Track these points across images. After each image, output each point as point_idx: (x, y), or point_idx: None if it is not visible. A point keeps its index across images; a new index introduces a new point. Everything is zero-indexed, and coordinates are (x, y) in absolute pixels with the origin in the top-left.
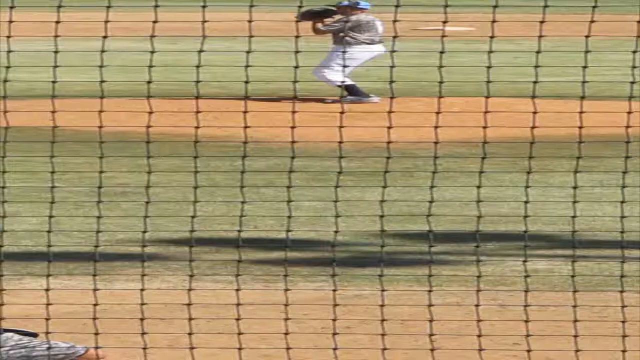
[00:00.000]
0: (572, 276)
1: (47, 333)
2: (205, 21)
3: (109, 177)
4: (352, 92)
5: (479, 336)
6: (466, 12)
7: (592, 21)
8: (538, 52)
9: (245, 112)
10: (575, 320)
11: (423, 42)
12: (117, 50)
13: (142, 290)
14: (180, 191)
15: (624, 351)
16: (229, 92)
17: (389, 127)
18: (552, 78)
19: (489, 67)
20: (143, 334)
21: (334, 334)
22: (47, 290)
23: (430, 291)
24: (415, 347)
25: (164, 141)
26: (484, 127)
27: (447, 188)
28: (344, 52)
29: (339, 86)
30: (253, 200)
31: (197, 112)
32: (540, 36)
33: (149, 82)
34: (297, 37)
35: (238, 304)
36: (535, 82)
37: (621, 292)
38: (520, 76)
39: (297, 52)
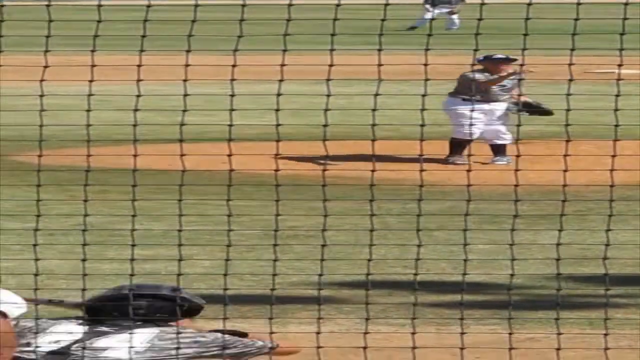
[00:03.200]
0: None
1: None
2: (381, 65)
3: (282, 219)
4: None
5: None
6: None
7: None
8: None
9: (420, 155)
10: None
11: (594, 85)
12: (290, 94)
13: (317, 333)
14: (353, 234)
15: None
16: (402, 135)
17: (565, 171)
18: None
19: None
20: None
21: None
22: None
23: (605, 334)
24: None
25: (338, 184)
26: None
27: (620, 231)
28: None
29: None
30: (426, 243)
31: (373, 155)
32: None
33: (325, 126)
34: (473, 80)
35: (413, 347)
36: None
37: None
38: None
39: (471, 97)
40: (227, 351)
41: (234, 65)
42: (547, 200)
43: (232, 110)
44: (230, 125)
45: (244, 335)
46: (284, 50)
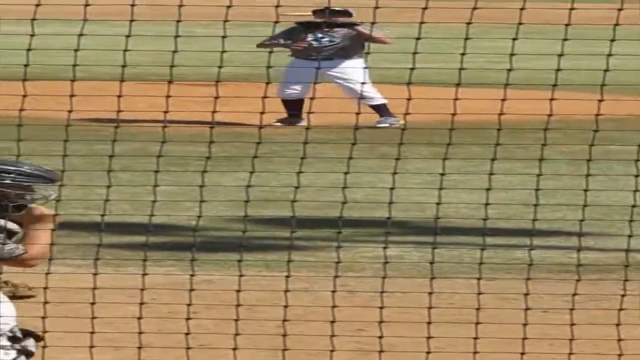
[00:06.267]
0: (431, 263)
1: None
2: (88, 5)
3: None
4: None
5: (325, 322)
6: None
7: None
8: (418, 38)
9: (119, 96)
10: (430, 307)
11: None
12: None
13: None
14: None
15: (475, 338)
16: (93, 76)
17: (262, 113)
18: (426, 64)
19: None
20: None
21: (184, 318)
22: None
23: (284, 277)
24: (262, 332)
25: (32, 125)
26: (357, 114)
27: (303, 174)
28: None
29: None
30: (110, 184)
31: (71, 96)
32: (422, 23)
33: (26, 66)
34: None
35: (93, 288)
36: (412, 69)
37: (478, 279)
38: (395, 63)
39: (177, 36)
40: None
41: None
42: (233, 142)
43: None
44: None
45: None
46: None
